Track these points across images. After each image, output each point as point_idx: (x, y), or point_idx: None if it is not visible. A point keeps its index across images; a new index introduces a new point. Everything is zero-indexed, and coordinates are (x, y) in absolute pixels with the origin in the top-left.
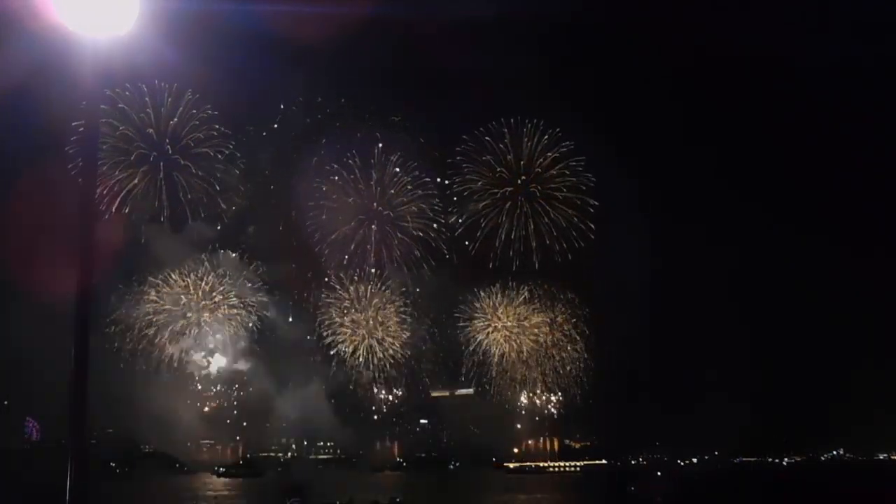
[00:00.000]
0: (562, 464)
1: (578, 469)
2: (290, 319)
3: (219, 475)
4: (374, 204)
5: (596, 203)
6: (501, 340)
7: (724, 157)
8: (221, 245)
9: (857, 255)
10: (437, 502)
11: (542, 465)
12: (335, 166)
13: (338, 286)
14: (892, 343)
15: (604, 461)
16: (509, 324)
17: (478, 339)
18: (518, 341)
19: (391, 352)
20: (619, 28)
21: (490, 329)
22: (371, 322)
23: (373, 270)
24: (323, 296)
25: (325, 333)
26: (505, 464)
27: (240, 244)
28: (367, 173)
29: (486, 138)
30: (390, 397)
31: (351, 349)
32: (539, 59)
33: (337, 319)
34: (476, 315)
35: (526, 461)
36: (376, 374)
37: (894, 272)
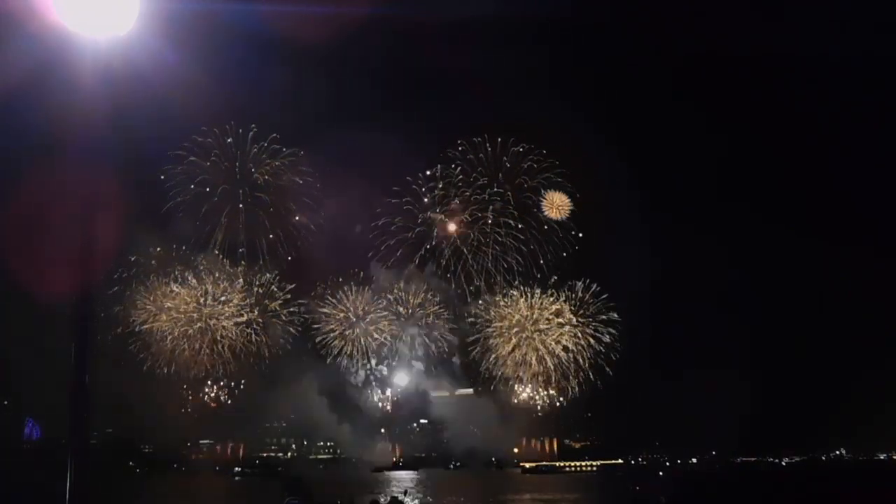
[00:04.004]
0: (578, 463)
1: (594, 468)
2: (291, 320)
3: (235, 476)
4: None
5: (573, 225)
6: (502, 340)
7: (725, 156)
8: (205, 244)
9: (857, 255)
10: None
11: (557, 464)
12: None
13: (331, 290)
14: (893, 343)
15: (620, 461)
16: (510, 324)
17: (478, 339)
18: (519, 341)
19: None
20: (619, 27)
21: (490, 328)
22: (366, 323)
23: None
24: (321, 301)
25: (322, 335)
26: (521, 463)
27: (227, 243)
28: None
29: (469, 155)
30: (386, 401)
31: (349, 350)
32: (538, 59)
33: (333, 323)
34: (475, 315)
35: (525, 461)
36: (371, 374)
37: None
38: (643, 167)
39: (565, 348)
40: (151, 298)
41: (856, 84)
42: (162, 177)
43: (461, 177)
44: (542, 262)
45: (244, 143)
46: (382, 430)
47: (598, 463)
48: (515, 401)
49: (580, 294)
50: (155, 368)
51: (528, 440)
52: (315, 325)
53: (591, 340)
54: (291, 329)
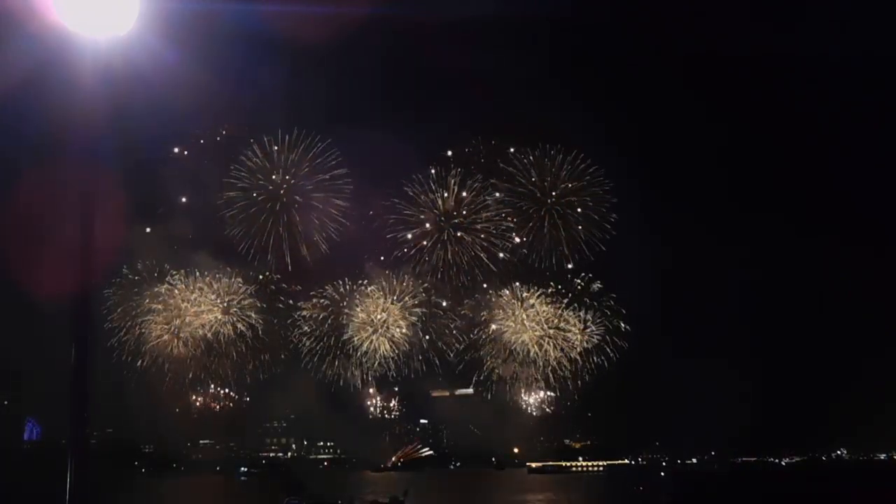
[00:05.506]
0: (585, 463)
1: (601, 468)
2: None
3: (241, 476)
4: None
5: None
6: (502, 340)
7: (725, 156)
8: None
9: (857, 254)
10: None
11: (564, 464)
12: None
13: (330, 291)
14: (893, 343)
15: (626, 461)
16: (511, 323)
17: (477, 338)
18: (518, 341)
19: (383, 351)
20: (619, 27)
21: (490, 328)
22: (365, 323)
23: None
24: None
25: (321, 335)
26: (528, 463)
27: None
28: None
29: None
30: (390, 404)
31: (349, 350)
32: (538, 59)
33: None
34: (475, 315)
35: (525, 461)
36: (369, 374)
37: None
38: (643, 167)
39: (563, 350)
40: (147, 301)
41: (856, 84)
42: (160, 177)
43: (459, 178)
44: (542, 262)
45: (243, 143)
46: (382, 430)
47: (605, 463)
48: (508, 400)
49: (582, 295)
50: (151, 370)
51: (528, 440)
52: (314, 326)
53: (592, 342)
54: (290, 330)
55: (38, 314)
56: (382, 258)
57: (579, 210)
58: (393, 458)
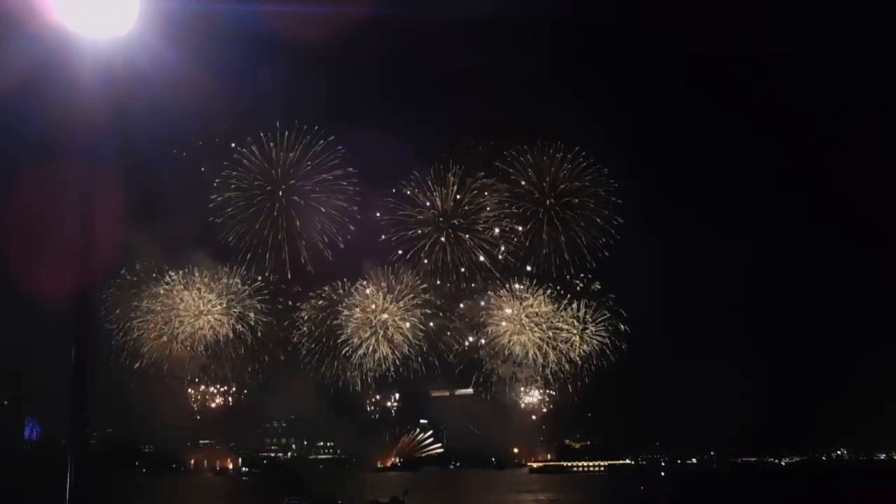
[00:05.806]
0: (586, 463)
1: (602, 468)
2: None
3: (242, 476)
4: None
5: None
6: (501, 340)
7: (725, 156)
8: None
9: (857, 255)
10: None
11: (565, 464)
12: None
13: (329, 291)
14: (893, 343)
15: (628, 461)
16: (509, 324)
17: (477, 338)
18: (518, 341)
19: (384, 352)
20: (619, 27)
21: (489, 328)
22: (365, 323)
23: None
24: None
25: (321, 335)
26: (529, 463)
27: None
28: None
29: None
30: (389, 404)
31: (349, 349)
32: (538, 59)
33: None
34: (475, 314)
35: (525, 461)
36: (370, 375)
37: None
38: (643, 167)
39: (561, 350)
40: (146, 301)
41: (856, 84)
42: (159, 177)
43: (458, 178)
44: (542, 265)
45: (243, 143)
46: (382, 430)
47: (605, 463)
48: (508, 400)
49: (581, 296)
50: (151, 370)
51: (528, 440)
52: (313, 327)
53: (594, 343)
54: (290, 330)
55: (38, 314)
56: (381, 259)
57: (579, 212)
58: (398, 446)
